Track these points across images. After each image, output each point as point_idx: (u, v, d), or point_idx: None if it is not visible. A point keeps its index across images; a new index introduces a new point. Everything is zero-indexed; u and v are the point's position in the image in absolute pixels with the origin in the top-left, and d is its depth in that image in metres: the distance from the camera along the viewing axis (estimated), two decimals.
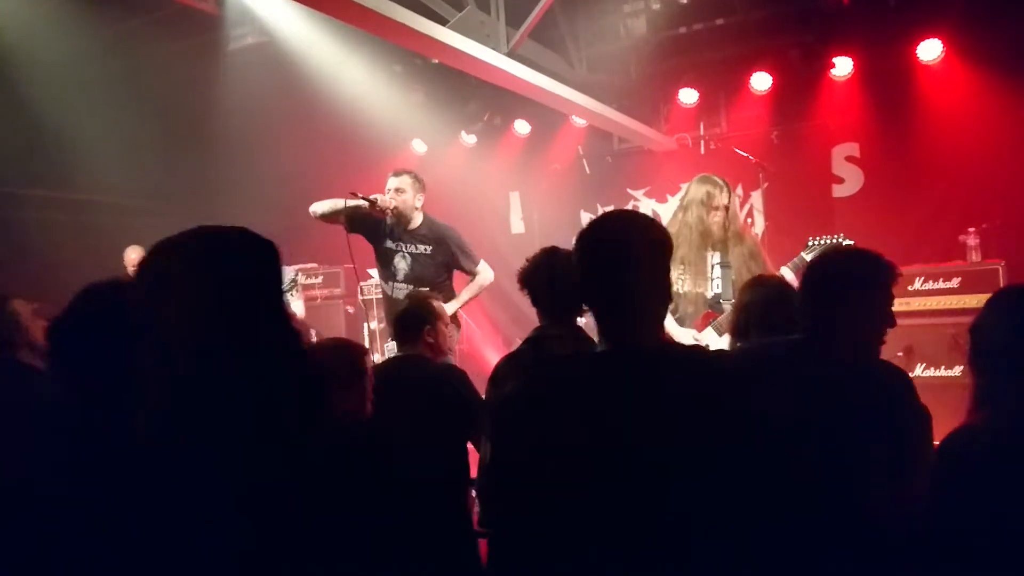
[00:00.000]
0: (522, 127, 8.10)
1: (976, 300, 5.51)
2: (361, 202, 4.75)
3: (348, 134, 7.67)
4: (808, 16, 6.35)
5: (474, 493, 3.06)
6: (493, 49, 4.82)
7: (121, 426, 1.18)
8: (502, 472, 1.83)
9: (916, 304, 5.53)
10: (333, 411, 2.43)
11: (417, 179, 4.98)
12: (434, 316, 3.30)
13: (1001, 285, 5.51)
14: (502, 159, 8.40)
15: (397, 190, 4.89)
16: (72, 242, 6.51)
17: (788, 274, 4.09)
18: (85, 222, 7.01)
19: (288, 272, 5.83)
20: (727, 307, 3.96)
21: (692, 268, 4.21)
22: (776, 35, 6.56)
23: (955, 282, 5.63)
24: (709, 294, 4.12)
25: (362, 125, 7.46)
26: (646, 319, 1.60)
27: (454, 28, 4.48)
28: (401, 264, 4.97)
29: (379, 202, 4.79)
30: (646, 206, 8.11)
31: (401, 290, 4.93)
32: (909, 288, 5.52)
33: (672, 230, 4.04)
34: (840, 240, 4.45)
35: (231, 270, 1.25)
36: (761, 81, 6.85)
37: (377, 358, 5.41)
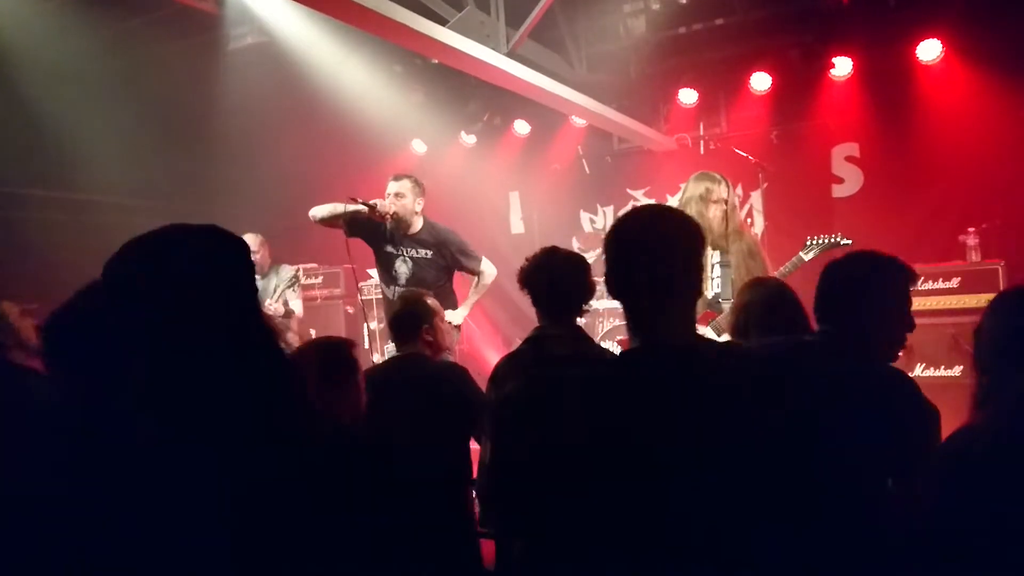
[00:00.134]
0: (522, 127, 8.10)
1: (976, 300, 5.51)
2: (360, 207, 4.73)
3: (348, 134, 7.67)
4: (808, 16, 6.35)
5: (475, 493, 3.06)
6: (493, 49, 4.82)
7: (117, 426, 1.18)
8: (534, 471, 1.82)
9: (916, 304, 5.44)
10: (322, 409, 2.45)
11: (417, 183, 4.96)
12: (431, 314, 3.28)
13: (1001, 285, 5.51)
14: (502, 159, 8.40)
15: (397, 195, 4.87)
16: (72, 242, 6.49)
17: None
18: (85, 222, 7.00)
19: (289, 269, 5.83)
20: (726, 307, 3.96)
21: None
22: (776, 35, 6.57)
23: (955, 282, 5.63)
24: (709, 293, 4.12)
25: (362, 125, 7.47)
26: (678, 313, 1.59)
27: (454, 28, 4.49)
28: (402, 268, 4.95)
29: (378, 207, 4.77)
30: None
31: None
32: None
33: None
34: (839, 240, 4.45)
35: (199, 268, 1.23)
36: (761, 81, 6.85)
37: (377, 358, 5.41)
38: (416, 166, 8.13)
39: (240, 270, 1.30)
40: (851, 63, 6.50)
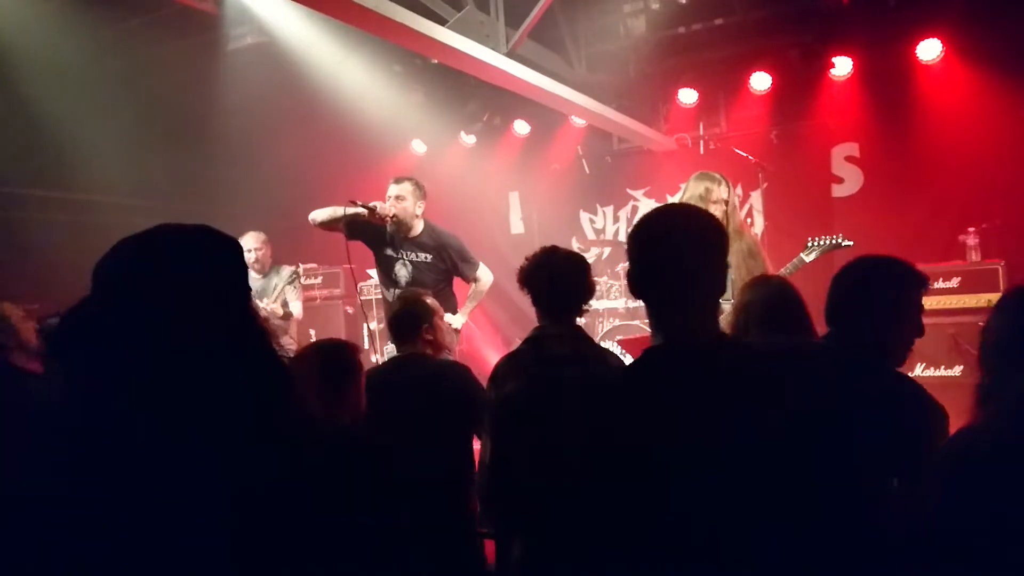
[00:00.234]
0: (521, 127, 8.11)
1: (976, 300, 5.52)
2: (360, 210, 4.68)
3: (347, 134, 7.67)
4: (807, 16, 6.36)
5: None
6: (492, 49, 4.82)
7: (116, 426, 1.18)
8: (544, 470, 1.80)
9: None
10: (323, 411, 2.45)
11: (418, 186, 4.90)
12: (430, 313, 3.27)
13: (1001, 285, 5.52)
14: (501, 159, 8.41)
15: (397, 197, 4.82)
16: (72, 242, 6.49)
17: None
18: (85, 222, 6.99)
19: (288, 268, 5.82)
20: (726, 307, 3.95)
21: None
22: (775, 35, 6.57)
23: (955, 282, 5.64)
24: None
25: (361, 125, 7.47)
26: (702, 312, 1.60)
27: (453, 28, 4.49)
28: (402, 272, 4.92)
29: (378, 209, 4.73)
30: (645, 206, 8.12)
31: None
32: None
33: None
34: (840, 241, 4.45)
35: (191, 268, 1.23)
36: (760, 81, 6.86)
37: (377, 359, 5.41)
38: (416, 166, 8.14)
39: (234, 270, 1.29)
40: (851, 63, 6.51)
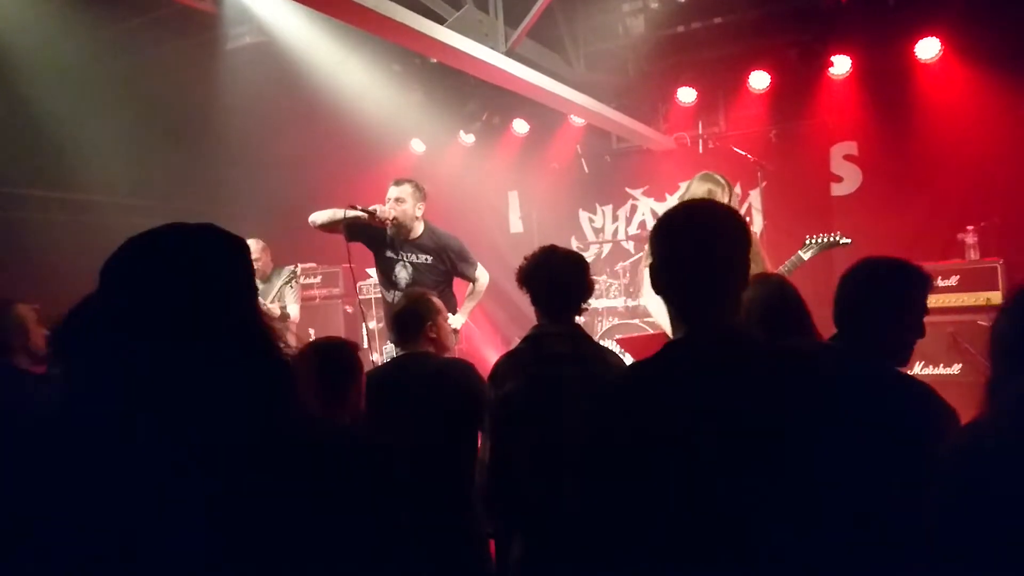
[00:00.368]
0: (520, 126, 8.11)
1: (974, 298, 5.53)
2: (360, 213, 4.69)
3: (347, 134, 7.67)
4: (806, 15, 6.36)
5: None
6: (491, 48, 4.82)
7: (115, 426, 1.18)
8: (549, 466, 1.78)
9: None
10: (323, 410, 2.45)
11: (418, 188, 4.88)
12: (434, 311, 3.26)
13: (999, 283, 5.53)
14: (501, 158, 8.41)
15: (397, 200, 4.81)
16: (72, 242, 6.50)
17: None
18: (85, 222, 7.00)
19: (286, 269, 5.81)
20: None
21: None
22: (774, 34, 6.57)
23: (953, 280, 5.65)
24: None
25: (361, 125, 7.47)
26: (723, 306, 1.61)
27: (452, 27, 4.49)
28: (402, 273, 4.91)
29: (378, 213, 4.72)
30: (644, 205, 8.13)
31: None
32: None
33: None
34: (838, 239, 4.45)
35: (199, 267, 1.24)
36: (759, 80, 6.86)
37: (376, 358, 5.41)
38: (415, 166, 8.15)
39: (241, 268, 1.30)
40: (850, 62, 6.51)
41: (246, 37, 6.13)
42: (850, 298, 2.25)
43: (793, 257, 4.42)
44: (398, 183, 4.88)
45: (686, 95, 7.22)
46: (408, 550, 1.33)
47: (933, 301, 2.25)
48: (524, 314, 5.76)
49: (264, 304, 5.38)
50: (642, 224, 8.04)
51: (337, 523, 1.20)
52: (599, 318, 7.37)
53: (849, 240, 4.43)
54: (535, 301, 2.73)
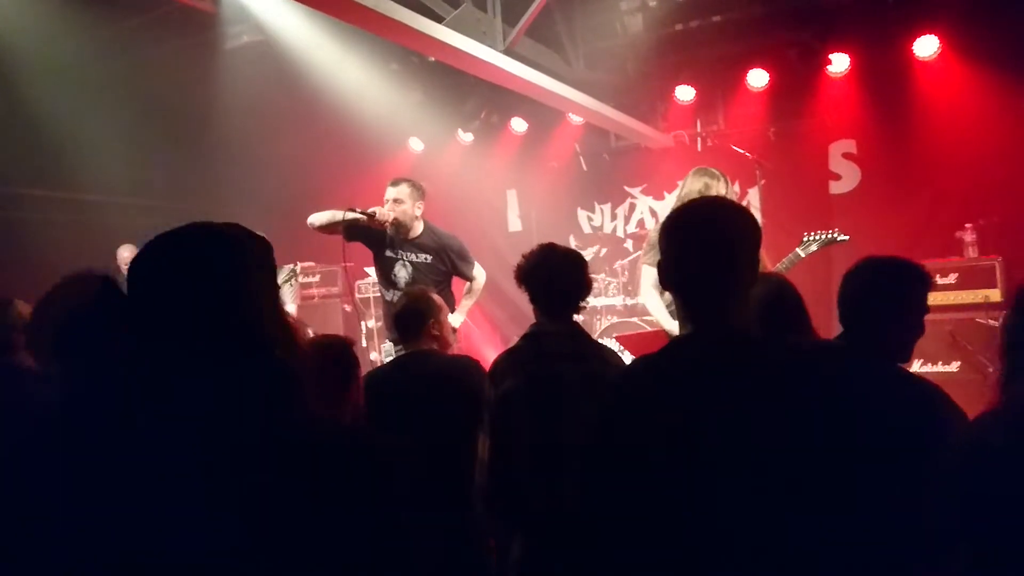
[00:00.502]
0: (519, 125, 8.11)
1: (973, 296, 5.53)
2: (360, 216, 4.68)
3: (345, 132, 7.68)
4: (805, 13, 6.36)
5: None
6: (490, 47, 4.82)
7: (116, 424, 1.18)
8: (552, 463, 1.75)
9: None
10: (322, 409, 2.45)
11: (416, 187, 4.86)
12: (436, 309, 3.25)
13: (998, 281, 5.54)
14: (499, 157, 8.41)
15: (395, 200, 4.79)
16: (72, 242, 6.51)
17: None
18: (85, 222, 7.02)
19: (286, 268, 5.81)
20: None
21: None
22: (773, 32, 6.57)
23: (952, 278, 5.66)
24: None
25: (359, 123, 7.47)
26: (730, 305, 1.61)
27: (450, 25, 4.48)
28: (402, 273, 4.90)
29: (377, 215, 4.71)
30: (643, 203, 8.13)
31: None
32: None
33: None
34: (836, 236, 4.45)
35: (225, 266, 1.25)
36: (758, 78, 6.86)
37: (375, 356, 5.41)
38: (413, 164, 8.15)
39: (258, 268, 1.30)
40: (848, 60, 6.51)
41: (244, 36, 6.14)
42: (852, 297, 2.26)
43: (791, 254, 4.41)
44: (395, 183, 4.86)
45: (685, 93, 7.21)
46: (408, 550, 1.33)
47: (931, 299, 2.25)
48: (523, 312, 5.77)
49: None
50: (640, 222, 8.04)
51: (337, 523, 1.20)
52: (598, 316, 7.37)
53: (847, 237, 4.43)
54: (534, 299, 2.74)
